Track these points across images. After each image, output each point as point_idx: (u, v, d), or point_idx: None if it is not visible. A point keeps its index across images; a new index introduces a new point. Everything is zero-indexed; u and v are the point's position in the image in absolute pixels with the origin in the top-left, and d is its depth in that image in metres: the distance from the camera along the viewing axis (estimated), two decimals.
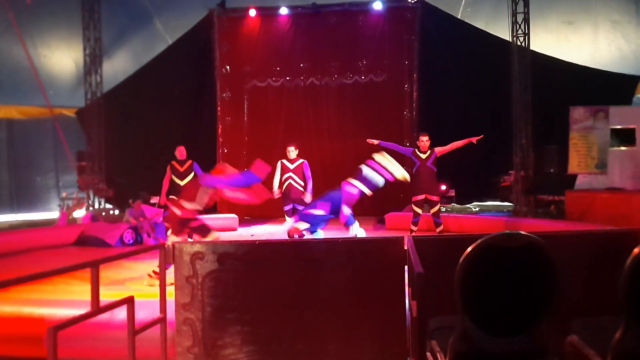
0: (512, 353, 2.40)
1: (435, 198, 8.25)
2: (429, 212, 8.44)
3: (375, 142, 8.42)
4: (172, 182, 9.15)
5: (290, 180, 8.74)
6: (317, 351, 3.23)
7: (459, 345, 2.35)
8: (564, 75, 12.04)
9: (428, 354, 2.58)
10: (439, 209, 8.38)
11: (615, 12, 12.72)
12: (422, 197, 8.23)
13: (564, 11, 13.04)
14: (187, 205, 7.93)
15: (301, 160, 8.85)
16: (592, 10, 12.86)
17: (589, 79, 11.94)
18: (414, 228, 8.33)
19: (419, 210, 8.31)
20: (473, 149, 12.77)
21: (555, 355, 2.42)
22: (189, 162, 9.17)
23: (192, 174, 9.08)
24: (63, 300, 4.61)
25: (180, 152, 9.18)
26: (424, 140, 8.22)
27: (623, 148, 10.26)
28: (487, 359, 2.42)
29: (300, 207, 8.34)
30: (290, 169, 8.76)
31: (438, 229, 8.27)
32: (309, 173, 8.80)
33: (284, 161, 8.87)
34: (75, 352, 3.64)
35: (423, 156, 8.20)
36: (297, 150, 8.87)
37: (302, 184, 8.75)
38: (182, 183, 8.98)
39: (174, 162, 9.13)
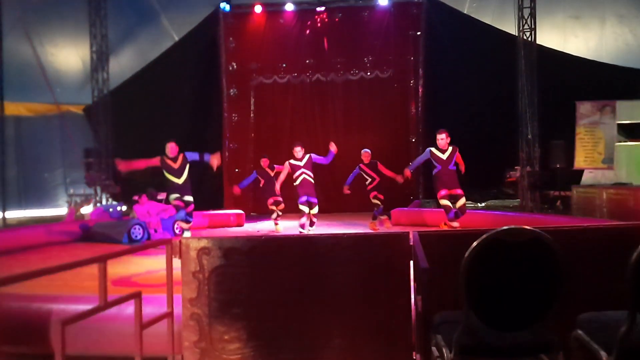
0: (517, 348, 2.40)
1: (459, 192, 8.05)
2: (455, 207, 8.17)
3: (409, 173, 8.53)
4: (166, 180, 8.55)
5: (304, 175, 8.87)
6: (323, 345, 3.24)
7: (463, 339, 2.36)
8: (570, 69, 11.98)
9: (433, 348, 2.59)
10: (465, 204, 8.15)
11: (622, 6, 12.63)
12: (445, 192, 8.03)
13: (571, 5, 12.97)
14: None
15: (308, 156, 8.95)
16: (599, 5, 12.78)
17: (596, 73, 11.88)
18: (454, 224, 8.01)
19: (449, 204, 8.01)
20: (479, 144, 12.82)
21: (560, 350, 2.42)
22: (181, 155, 8.52)
23: (187, 169, 8.51)
24: (71, 295, 4.64)
25: (172, 148, 8.49)
26: (442, 138, 7.95)
27: (630, 143, 10.21)
28: (492, 354, 2.42)
29: (314, 200, 8.83)
30: (302, 166, 8.86)
31: (454, 224, 8.00)
32: (320, 158, 8.97)
33: (292, 161, 8.92)
34: (83, 346, 3.67)
35: (444, 157, 7.95)
36: (303, 150, 8.98)
37: (312, 175, 8.93)
38: (180, 181, 8.47)
39: (165, 158, 8.46)
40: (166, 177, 8.53)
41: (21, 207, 14.07)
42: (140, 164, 8.61)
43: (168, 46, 14.54)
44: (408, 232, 3.30)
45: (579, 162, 10.55)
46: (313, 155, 9.00)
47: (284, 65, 14.36)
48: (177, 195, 8.52)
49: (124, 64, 14.53)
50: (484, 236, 2.29)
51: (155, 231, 9.95)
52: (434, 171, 8.14)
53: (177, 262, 3.39)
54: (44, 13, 13.51)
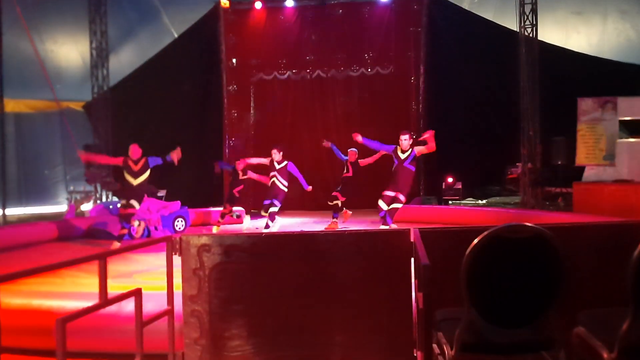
0: (518, 345, 2.40)
1: (401, 197, 8.17)
2: (389, 206, 8.29)
3: (360, 139, 8.53)
4: (124, 180, 8.68)
5: (274, 179, 9.47)
6: (324, 342, 3.24)
7: (465, 336, 2.36)
8: (572, 66, 11.94)
9: (434, 345, 2.59)
10: (397, 209, 8.26)
11: (624, 2, 12.58)
12: (392, 194, 8.21)
13: (573, 1, 12.91)
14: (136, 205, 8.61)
15: (285, 162, 9.50)
16: (601, 0, 12.73)
17: (598, 69, 11.83)
18: (384, 226, 8.25)
19: (384, 206, 8.23)
20: (480, 141, 12.80)
21: (561, 347, 2.41)
22: (143, 159, 8.64)
23: (147, 173, 8.61)
24: (71, 292, 4.64)
25: (134, 150, 8.61)
26: (404, 139, 8.11)
27: (631, 139, 10.17)
28: (493, 351, 2.42)
29: (277, 203, 9.40)
30: (276, 169, 9.45)
31: (382, 226, 8.20)
32: (296, 172, 9.52)
33: (273, 162, 9.51)
34: (83, 343, 3.67)
35: (402, 156, 8.13)
36: (281, 153, 9.52)
37: (285, 183, 9.47)
38: (134, 182, 8.57)
39: (128, 160, 8.59)
40: (125, 177, 8.65)
41: (21, 204, 14.07)
42: (102, 159, 9.13)
43: (168, 43, 14.51)
44: (409, 229, 3.29)
45: (580, 158, 10.50)
46: (291, 164, 9.50)
47: (284, 61, 14.32)
48: (124, 201, 8.67)
49: (124, 60, 14.50)
50: (486, 233, 2.29)
51: (156, 228, 9.95)
52: (393, 167, 8.30)
53: (177, 259, 3.39)
54: (43, 9, 13.47)
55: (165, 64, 13.90)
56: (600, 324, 2.41)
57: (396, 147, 8.26)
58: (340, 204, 10.26)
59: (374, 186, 13.69)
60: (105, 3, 12.93)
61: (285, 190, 9.50)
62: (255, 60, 14.39)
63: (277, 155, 9.48)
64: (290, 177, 9.58)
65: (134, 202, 8.59)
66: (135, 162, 8.60)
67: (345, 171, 10.41)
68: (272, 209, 9.42)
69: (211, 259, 3.30)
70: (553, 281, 2.33)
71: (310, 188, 9.69)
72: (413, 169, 8.24)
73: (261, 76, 14.46)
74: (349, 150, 10.30)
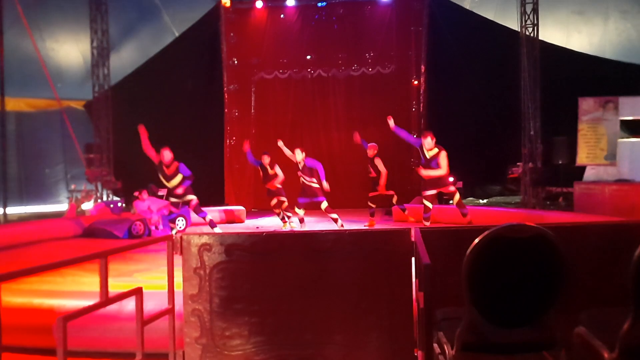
0: (519, 344, 2.40)
1: (450, 190, 8.19)
2: (453, 204, 8.38)
3: (392, 124, 8.43)
4: (160, 181, 8.99)
5: (301, 179, 9.35)
6: (325, 342, 3.24)
7: (465, 336, 2.36)
8: (573, 65, 11.94)
9: (435, 344, 2.59)
10: (460, 198, 8.26)
11: (626, 1, 12.58)
12: (433, 191, 8.17)
13: (574, 1, 12.91)
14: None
15: (303, 162, 9.27)
16: (602, 0, 12.72)
17: (599, 69, 11.83)
18: (426, 223, 8.19)
19: (430, 205, 8.21)
20: (481, 141, 12.80)
21: (562, 347, 2.41)
22: (176, 164, 8.79)
23: (180, 176, 8.78)
24: (72, 291, 4.65)
25: (165, 155, 8.70)
26: (426, 142, 8.02)
27: (633, 139, 10.15)
28: (494, 350, 2.42)
29: (322, 199, 9.17)
30: (300, 169, 9.35)
31: (466, 220, 8.07)
32: (311, 164, 9.20)
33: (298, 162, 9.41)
34: (84, 342, 3.67)
35: (428, 155, 8.07)
36: (304, 153, 9.34)
37: (313, 180, 9.21)
38: (170, 185, 8.87)
39: (162, 163, 8.78)
40: (160, 178, 8.94)
41: (22, 203, 14.07)
42: (147, 144, 8.71)
43: (169, 42, 14.51)
44: (410, 229, 3.29)
45: (582, 158, 10.49)
46: (307, 159, 9.28)
47: (285, 60, 14.33)
48: (175, 199, 9.01)
49: (125, 59, 14.50)
50: (487, 232, 2.29)
51: (156, 227, 9.94)
52: (421, 163, 8.27)
53: (178, 259, 3.38)
54: (44, 8, 13.47)
55: (166, 63, 13.91)
56: (601, 323, 2.40)
57: (422, 145, 8.17)
58: (395, 198, 10.16)
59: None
60: (106, 2, 12.93)
61: (317, 185, 9.22)
62: (256, 59, 14.39)
63: (299, 154, 9.33)
64: (315, 172, 9.28)
65: (190, 197, 8.87)
66: (168, 166, 8.78)
67: (369, 172, 10.15)
68: (322, 206, 9.23)
69: (212, 258, 3.29)
70: (554, 281, 2.33)
71: (327, 188, 9.19)
72: (440, 168, 8.18)
73: (262, 75, 14.47)
74: (369, 144, 10.14)
